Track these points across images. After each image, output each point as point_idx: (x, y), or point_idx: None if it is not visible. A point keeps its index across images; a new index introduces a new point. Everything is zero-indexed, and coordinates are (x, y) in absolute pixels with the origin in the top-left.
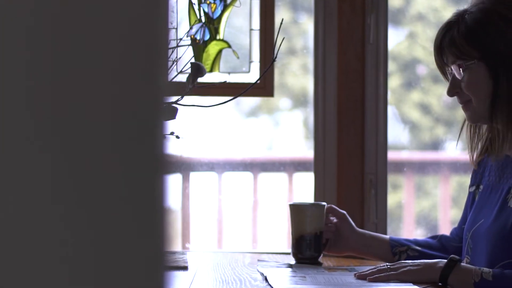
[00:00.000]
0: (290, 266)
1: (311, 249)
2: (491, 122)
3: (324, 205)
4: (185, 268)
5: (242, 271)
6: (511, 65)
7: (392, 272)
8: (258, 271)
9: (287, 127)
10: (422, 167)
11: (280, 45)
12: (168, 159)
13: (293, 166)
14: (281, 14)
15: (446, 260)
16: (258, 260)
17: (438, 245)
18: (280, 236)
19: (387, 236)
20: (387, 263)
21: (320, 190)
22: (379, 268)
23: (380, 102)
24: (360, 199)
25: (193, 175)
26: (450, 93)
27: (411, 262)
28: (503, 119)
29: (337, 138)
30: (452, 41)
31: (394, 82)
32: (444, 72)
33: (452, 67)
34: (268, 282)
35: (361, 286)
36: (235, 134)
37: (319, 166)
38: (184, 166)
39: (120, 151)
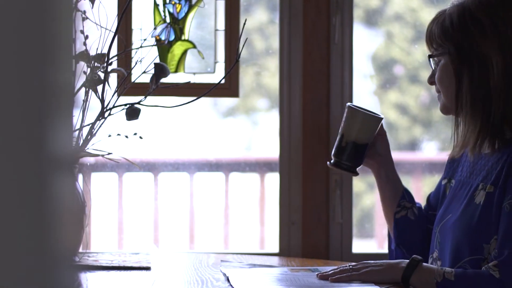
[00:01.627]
0: (253, 266)
1: (350, 156)
2: (458, 116)
3: (380, 119)
4: (148, 268)
5: (205, 271)
6: (473, 67)
7: (354, 273)
8: (221, 271)
9: (265, 128)
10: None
11: (243, 45)
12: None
13: (266, 166)
14: (259, 14)
15: (408, 261)
16: (221, 261)
17: (423, 211)
18: (251, 236)
19: (402, 185)
20: (350, 264)
21: (285, 190)
22: (342, 268)
23: (346, 102)
24: (325, 199)
25: (164, 175)
26: (428, 81)
27: (373, 263)
28: (465, 117)
29: (302, 138)
30: (431, 32)
31: (371, 82)
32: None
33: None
34: (229, 282)
35: (323, 287)
36: (209, 135)
37: (284, 166)
38: (151, 167)
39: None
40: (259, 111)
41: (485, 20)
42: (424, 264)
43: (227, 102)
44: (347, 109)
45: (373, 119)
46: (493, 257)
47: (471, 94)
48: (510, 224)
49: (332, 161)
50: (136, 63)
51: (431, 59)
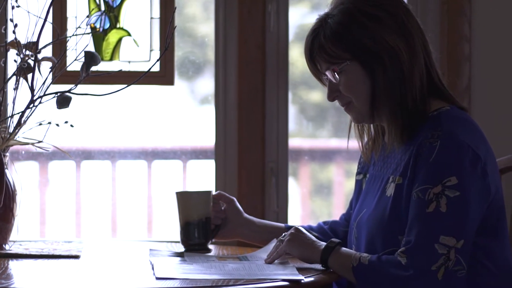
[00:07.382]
0: (181, 255)
1: (198, 235)
2: (374, 121)
3: (209, 192)
4: (77, 257)
5: (133, 259)
6: (384, 60)
7: (281, 246)
8: (149, 260)
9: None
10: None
11: (173, 34)
12: None
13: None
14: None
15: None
16: (150, 249)
17: (329, 231)
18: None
19: (282, 224)
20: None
21: (221, 178)
22: (275, 245)
23: (281, 90)
24: (261, 187)
25: (122, 163)
26: (330, 97)
27: (302, 235)
28: (386, 115)
29: (237, 126)
30: (321, 47)
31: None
32: (320, 79)
33: (327, 73)
34: (153, 271)
35: (247, 275)
36: (185, 122)
37: (220, 154)
38: (112, 155)
39: None
40: None
41: (376, 11)
42: (343, 248)
43: (203, 90)
44: (176, 197)
45: (201, 194)
46: (402, 244)
47: (389, 87)
48: (416, 211)
49: (185, 250)
50: (65, 51)
51: (322, 75)
